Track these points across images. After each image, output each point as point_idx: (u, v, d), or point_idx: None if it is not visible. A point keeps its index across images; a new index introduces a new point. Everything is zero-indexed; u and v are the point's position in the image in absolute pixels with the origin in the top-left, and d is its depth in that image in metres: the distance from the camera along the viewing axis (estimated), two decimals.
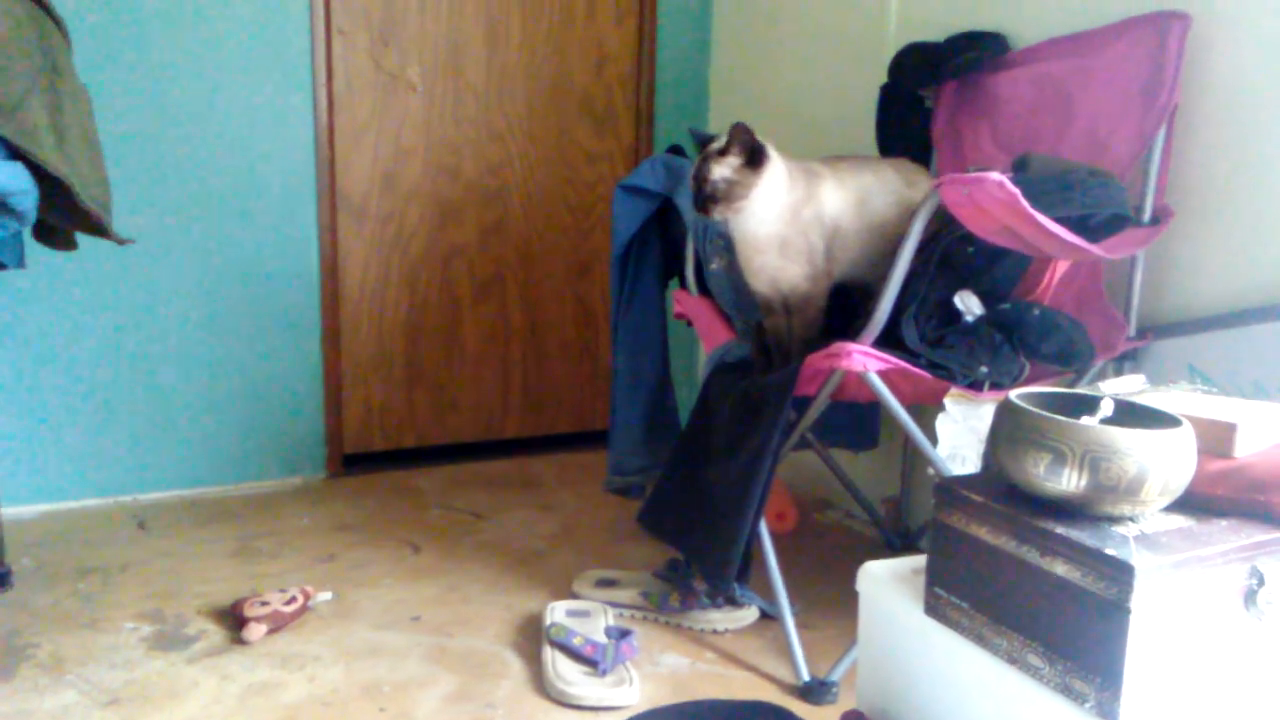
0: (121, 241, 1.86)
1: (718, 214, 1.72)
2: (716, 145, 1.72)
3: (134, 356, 2.56)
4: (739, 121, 1.69)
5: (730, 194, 1.70)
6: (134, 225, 2.44)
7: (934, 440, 1.65)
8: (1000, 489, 1.09)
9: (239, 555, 2.25)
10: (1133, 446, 0.96)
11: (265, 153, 2.62)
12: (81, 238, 2.05)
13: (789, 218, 1.75)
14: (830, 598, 2.06)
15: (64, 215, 1.78)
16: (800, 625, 1.81)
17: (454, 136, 2.86)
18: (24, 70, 1.61)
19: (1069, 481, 0.99)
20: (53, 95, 1.72)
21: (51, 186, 1.66)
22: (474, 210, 2.92)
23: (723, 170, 1.70)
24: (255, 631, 1.83)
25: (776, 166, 1.72)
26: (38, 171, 1.61)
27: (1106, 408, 1.05)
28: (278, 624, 1.87)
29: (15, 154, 1.58)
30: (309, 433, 2.79)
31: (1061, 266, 1.85)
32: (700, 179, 1.71)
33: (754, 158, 1.70)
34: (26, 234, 1.89)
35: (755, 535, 1.75)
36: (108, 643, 1.83)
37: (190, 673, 1.73)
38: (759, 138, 1.70)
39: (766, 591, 1.86)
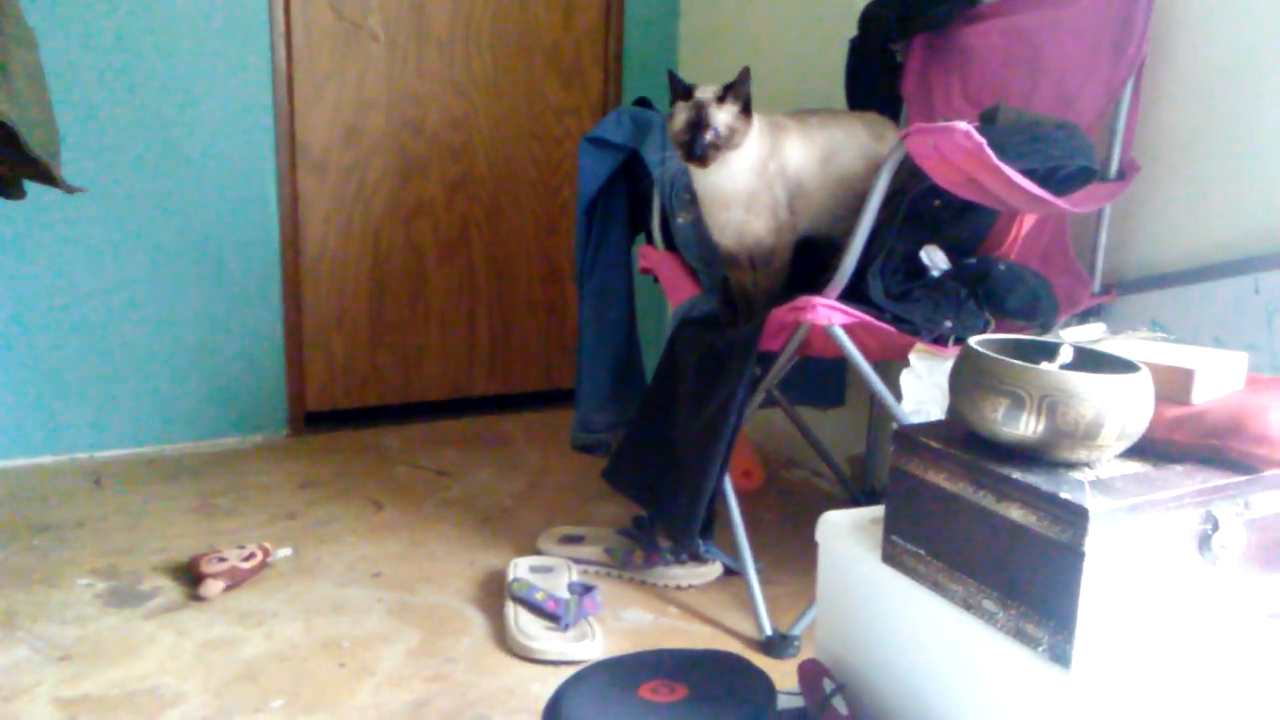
0: (71, 189, 1.81)
1: (709, 162, 1.67)
2: (712, 92, 1.67)
3: (90, 311, 2.51)
4: (747, 66, 1.66)
5: (730, 142, 1.66)
6: (87, 176, 2.37)
7: (899, 396, 1.65)
8: (958, 435, 1.09)
9: (198, 512, 2.22)
10: (1090, 391, 0.96)
11: (222, 104, 2.55)
12: (32, 188, 2.00)
13: (759, 171, 1.72)
14: (794, 554, 2.06)
15: (11, 162, 1.73)
16: (763, 581, 1.81)
17: (417, 89, 2.81)
18: None
19: (1027, 426, 0.98)
20: None
21: None
22: (438, 165, 2.87)
23: (725, 117, 1.66)
24: (212, 588, 1.80)
25: (755, 119, 1.70)
26: None
27: (1065, 354, 1.04)
28: (236, 580, 1.84)
29: None
30: (271, 390, 2.75)
31: (1027, 221, 1.84)
32: (701, 125, 1.65)
33: (746, 107, 1.68)
34: None
35: (720, 492, 1.75)
36: (61, 599, 1.80)
37: (146, 628, 1.71)
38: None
39: (731, 548, 1.86)
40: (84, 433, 2.55)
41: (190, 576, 1.86)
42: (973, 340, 1.07)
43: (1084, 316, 1.80)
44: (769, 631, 1.72)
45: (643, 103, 2.15)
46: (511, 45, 2.89)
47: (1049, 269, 1.82)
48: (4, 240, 2.39)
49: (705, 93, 1.68)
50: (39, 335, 2.47)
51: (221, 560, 1.85)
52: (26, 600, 1.79)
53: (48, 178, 1.77)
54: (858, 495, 2.38)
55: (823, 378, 2.36)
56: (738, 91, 1.67)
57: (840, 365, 2.37)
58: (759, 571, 1.81)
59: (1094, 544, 0.90)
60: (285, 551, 1.99)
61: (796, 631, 1.71)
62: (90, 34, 2.39)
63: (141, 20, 2.44)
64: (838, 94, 2.26)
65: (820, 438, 2.42)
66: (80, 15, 2.38)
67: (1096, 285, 1.80)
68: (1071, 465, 1.01)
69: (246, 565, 1.86)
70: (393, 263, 2.88)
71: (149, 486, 2.38)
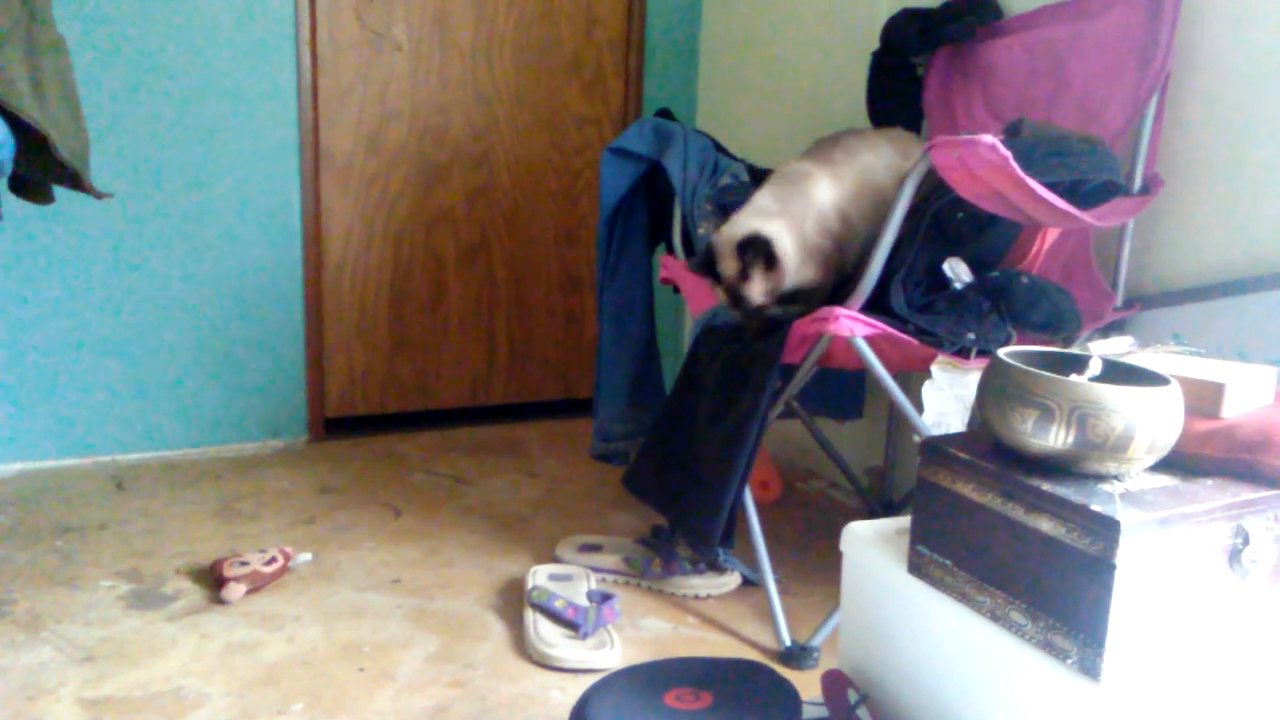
0: (99, 195, 1.83)
1: (771, 311, 1.72)
2: (733, 270, 1.68)
3: (114, 316, 2.53)
4: (738, 243, 1.66)
5: (777, 294, 1.69)
6: (113, 185, 2.40)
7: (920, 408, 1.65)
8: (986, 447, 1.09)
9: (219, 516, 2.24)
10: (1121, 404, 0.96)
11: (248, 112, 2.58)
12: (61, 194, 2.02)
13: (802, 242, 1.72)
14: (812, 566, 2.06)
15: (41, 167, 1.75)
16: (781, 592, 1.81)
17: (440, 98, 2.83)
18: (1, 20, 1.58)
19: (1056, 438, 0.98)
20: (30, 45, 1.68)
21: (28, 137, 1.62)
22: (460, 173, 2.89)
23: (758, 288, 1.68)
24: (234, 591, 1.81)
25: (783, 239, 1.68)
26: (14, 122, 1.58)
27: (1095, 366, 1.04)
28: (257, 584, 1.85)
29: None
30: (291, 396, 2.76)
31: (1051, 235, 1.84)
32: (749, 313, 1.71)
33: (770, 257, 1.67)
34: (2, 187, 1.85)
35: (740, 501, 1.75)
36: (85, 600, 1.82)
37: (169, 631, 1.72)
38: (753, 230, 1.67)
39: (749, 559, 1.86)
40: (107, 437, 2.57)
41: (212, 580, 1.87)
42: (1002, 352, 1.07)
43: (1106, 331, 1.80)
44: (788, 642, 1.72)
45: (665, 114, 2.16)
46: (534, 55, 2.91)
47: (1072, 283, 1.82)
48: (30, 246, 2.42)
49: (728, 275, 1.68)
50: (63, 340, 2.49)
51: (243, 564, 1.86)
52: (50, 601, 1.80)
53: (77, 183, 1.79)
54: (875, 508, 2.37)
55: (841, 389, 2.36)
56: (758, 261, 1.67)
57: (859, 377, 2.37)
58: (778, 582, 1.81)
59: (1125, 556, 0.90)
60: (306, 556, 2.00)
61: (816, 642, 1.71)
62: (117, 44, 2.42)
63: (168, 30, 2.46)
64: (859, 107, 2.27)
65: (838, 449, 2.42)
66: (107, 24, 2.40)
67: (1119, 299, 1.79)
68: (1100, 478, 1.01)
69: (268, 569, 1.87)
70: (413, 271, 2.89)
71: (170, 490, 2.39)
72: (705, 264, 1.75)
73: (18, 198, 1.90)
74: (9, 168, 1.60)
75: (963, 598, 1.07)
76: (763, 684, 1.17)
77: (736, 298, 1.71)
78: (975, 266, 1.76)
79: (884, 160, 1.81)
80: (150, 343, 2.58)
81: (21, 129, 1.58)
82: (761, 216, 1.71)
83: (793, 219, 1.71)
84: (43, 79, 1.68)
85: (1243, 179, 1.66)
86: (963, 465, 1.06)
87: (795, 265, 1.69)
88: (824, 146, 1.85)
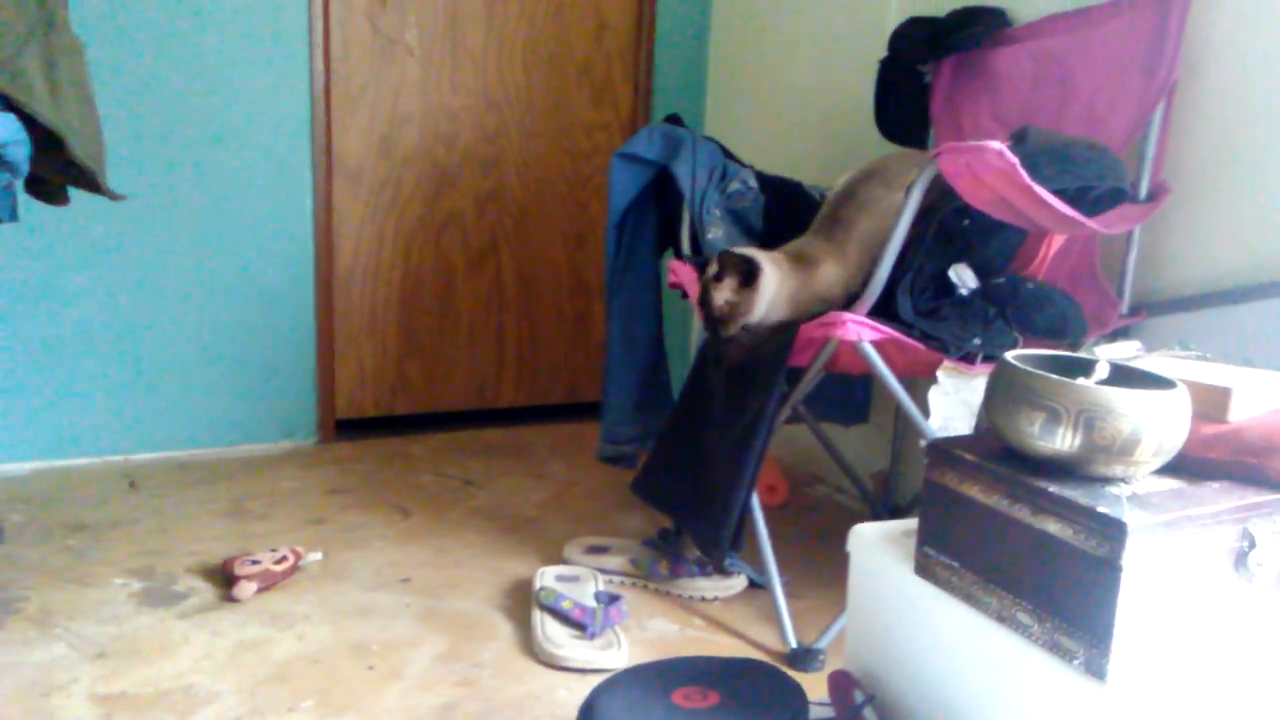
0: (114, 196, 1.85)
1: (730, 331, 1.77)
2: (711, 271, 1.75)
3: (127, 317, 2.55)
4: (724, 251, 1.74)
5: (736, 312, 1.75)
6: (128, 184, 2.42)
7: (925, 413, 1.66)
8: (993, 449, 1.10)
9: (230, 515, 2.25)
10: (1128, 407, 0.97)
11: (260, 115, 2.60)
12: (75, 195, 2.04)
13: (786, 301, 1.77)
14: (818, 569, 2.07)
15: (57, 169, 1.77)
16: (788, 594, 1.82)
17: (451, 103, 2.85)
18: (18, 22, 1.60)
19: (1063, 441, 0.99)
20: (47, 48, 1.70)
21: (45, 139, 1.64)
22: (470, 178, 2.91)
23: (724, 294, 1.74)
24: (245, 589, 1.83)
25: (769, 275, 1.73)
26: (31, 124, 1.60)
27: (1102, 369, 1.05)
28: (268, 582, 1.87)
29: (8, 105, 1.56)
30: (301, 397, 2.78)
31: (1057, 242, 1.85)
32: (706, 305, 1.76)
33: (749, 276, 1.72)
34: (19, 187, 1.87)
35: (748, 506, 1.76)
36: (97, 598, 1.83)
37: (180, 628, 1.73)
38: (749, 252, 1.73)
39: (755, 562, 1.86)
40: (120, 436, 2.59)
41: (223, 578, 1.89)
42: (1009, 354, 1.08)
43: (1112, 338, 1.81)
44: (794, 644, 1.72)
45: (674, 119, 2.17)
46: (544, 61, 2.93)
47: (1077, 289, 1.83)
48: (43, 248, 2.44)
49: (709, 272, 1.76)
50: (76, 341, 2.51)
51: (254, 563, 1.88)
52: (63, 599, 1.82)
53: (93, 185, 1.81)
54: (880, 512, 2.38)
55: (847, 394, 2.37)
56: (732, 270, 1.73)
57: (865, 382, 2.38)
58: (784, 585, 1.82)
59: (1131, 558, 0.91)
60: (316, 556, 2.01)
61: (821, 645, 1.71)
62: (131, 45, 2.45)
63: (182, 32, 2.49)
64: (866, 114, 2.28)
65: (843, 454, 2.43)
66: (122, 26, 2.43)
67: (1125, 306, 1.80)
68: (1107, 480, 1.02)
69: (279, 568, 1.89)
70: (423, 273, 2.91)
71: (182, 490, 2.41)
72: (699, 262, 1.82)
73: (33, 198, 1.92)
74: (25, 168, 1.62)
75: (969, 599, 1.08)
76: (770, 683, 1.18)
77: (705, 297, 1.76)
78: (981, 273, 1.77)
79: (881, 223, 1.81)
80: (162, 343, 2.60)
81: (38, 130, 1.60)
82: (765, 257, 1.76)
83: (787, 278, 1.76)
84: (59, 81, 1.70)
85: (1249, 186, 1.67)
86: (970, 467, 1.07)
87: (765, 306, 1.75)
88: (826, 225, 1.86)
